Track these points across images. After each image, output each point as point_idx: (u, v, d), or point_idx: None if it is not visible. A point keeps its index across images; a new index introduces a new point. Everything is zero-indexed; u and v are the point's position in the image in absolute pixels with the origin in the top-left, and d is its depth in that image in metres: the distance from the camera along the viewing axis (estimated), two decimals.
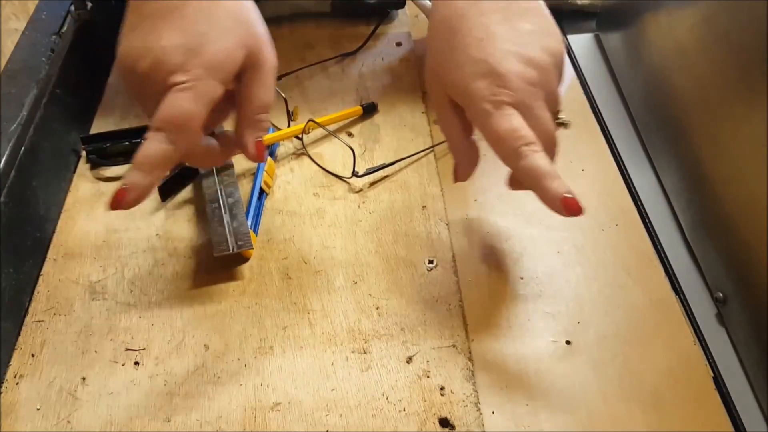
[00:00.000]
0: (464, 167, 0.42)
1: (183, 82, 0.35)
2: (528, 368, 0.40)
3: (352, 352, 0.41)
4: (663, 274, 0.45)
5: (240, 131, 0.39)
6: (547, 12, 0.40)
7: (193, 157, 0.41)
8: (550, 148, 0.38)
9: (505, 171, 0.45)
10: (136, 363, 0.41)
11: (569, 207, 0.36)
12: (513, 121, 0.36)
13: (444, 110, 0.40)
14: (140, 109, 0.38)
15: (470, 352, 0.41)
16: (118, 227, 0.48)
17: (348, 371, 0.40)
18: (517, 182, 0.41)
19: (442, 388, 0.39)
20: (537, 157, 0.36)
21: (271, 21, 0.65)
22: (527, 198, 0.45)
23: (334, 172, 0.52)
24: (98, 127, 0.56)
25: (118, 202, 0.35)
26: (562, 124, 0.39)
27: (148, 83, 0.36)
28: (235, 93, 0.39)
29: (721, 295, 0.43)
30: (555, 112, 0.39)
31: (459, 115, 0.39)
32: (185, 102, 0.35)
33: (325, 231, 0.48)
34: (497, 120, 0.36)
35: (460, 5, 0.39)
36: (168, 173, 0.50)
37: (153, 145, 0.35)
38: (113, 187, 0.51)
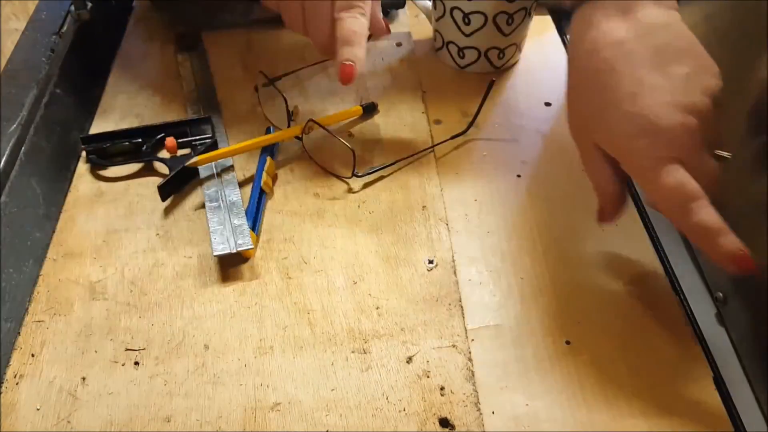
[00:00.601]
0: (612, 211, 0.41)
1: None
2: (528, 368, 0.40)
3: (352, 352, 0.41)
4: (663, 273, 0.45)
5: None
6: (701, 49, 0.37)
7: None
8: (711, 191, 0.36)
9: (505, 171, 0.45)
10: (136, 363, 0.41)
11: (741, 264, 0.34)
12: (677, 176, 0.34)
13: (593, 161, 0.39)
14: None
15: (470, 352, 0.41)
16: (118, 227, 0.48)
17: (348, 371, 0.40)
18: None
19: (442, 388, 0.39)
20: (705, 213, 0.34)
21: (271, 21, 0.66)
22: (526, 198, 0.45)
23: (334, 172, 0.52)
24: (98, 127, 0.56)
25: (348, 77, 0.40)
26: (722, 158, 0.37)
27: None
28: None
29: (721, 295, 0.43)
30: (713, 150, 0.37)
31: (610, 162, 0.38)
32: None
33: (325, 231, 0.48)
34: (660, 177, 0.35)
35: (606, 57, 0.37)
36: (168, 174, 0.50)
37: (355, 21, 0.41)
38: (113, 187, 0.51)
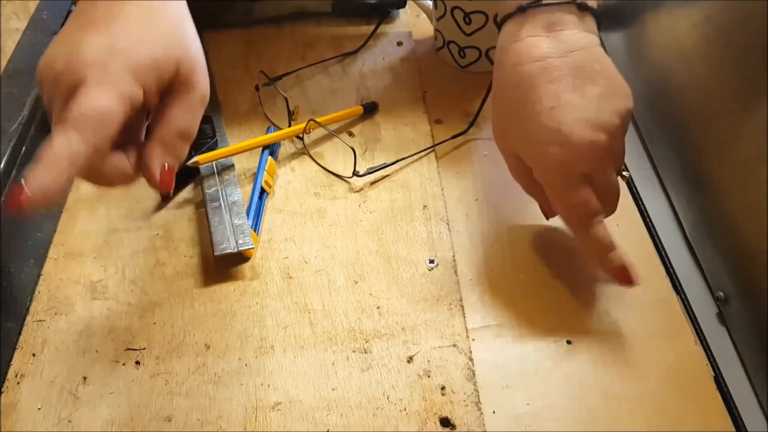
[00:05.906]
0: (546, 207, 0.45)
1: (101, 79, 0.31)
2: (529, 368, 0.40)
3: (353, 351, 0.41)
4: (664, 273, 0.45)
5: (149, 151, 0.34)
6: (614, 70, 0.40)
7: (98, 173, 0.34)
8: (612, 207, 0.41)
9: (506, 170, 0.45)
10: (137, 362, 0.41)
11: (622, 278, 0.40)
12: (582, 194, 0.39)
13: (516, 168, 0.43)
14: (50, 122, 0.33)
15: (471, 352, 0.41)
16: (119, 227, 0.48)
17: (349, 371, 0.40)
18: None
19: (442, 388, 0.39)
20: (600, 229, 0.39)
21: (272, 21, 0.66)
22: (528, 197, 0.45)
23: (334, 171, 0.52)
24: None
25: (15, 203, 0.29)
26: (624, 177, 0.43)
27: (61, 82, 0.32)
28: (153, 117, 0.35)
29: (722, 294, 0.43)
30: (619, 169, 0.41)
31: (529, 169, 0.42)
32: (103, 97, 0.31)
33: (326, 230, 0.48)
34: (567, 192, 0.39)
35: (529, 71, 0.39)
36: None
37: (62, 142, 0.30)
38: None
